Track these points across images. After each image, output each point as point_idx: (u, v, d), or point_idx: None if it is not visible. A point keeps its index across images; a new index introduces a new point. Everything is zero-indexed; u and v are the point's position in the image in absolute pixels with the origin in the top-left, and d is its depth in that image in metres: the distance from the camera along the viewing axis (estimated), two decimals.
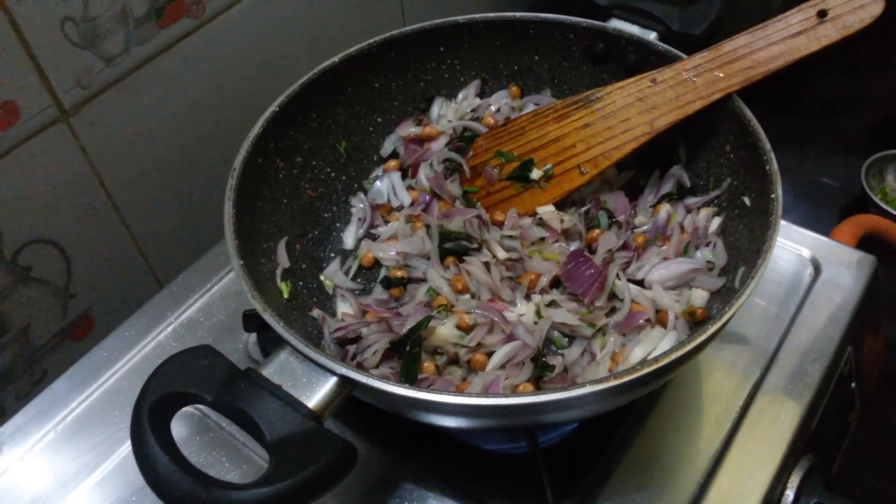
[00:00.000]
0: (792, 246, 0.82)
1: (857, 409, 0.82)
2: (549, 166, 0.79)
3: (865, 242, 0.94)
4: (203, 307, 0.83)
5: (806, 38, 0.68)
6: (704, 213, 0.74)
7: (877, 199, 1.05)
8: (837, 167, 1.15)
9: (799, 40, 0.68)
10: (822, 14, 0.68)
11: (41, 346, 0.91)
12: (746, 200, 0.70)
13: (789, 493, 0.69)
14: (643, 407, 0.71)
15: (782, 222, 0.64)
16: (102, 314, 0.96)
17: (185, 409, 0.57)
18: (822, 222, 1.06)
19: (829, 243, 0.83)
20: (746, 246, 0.68)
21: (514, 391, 0.66)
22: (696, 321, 0.70)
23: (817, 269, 0.81)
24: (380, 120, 0.87)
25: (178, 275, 0.87)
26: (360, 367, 0.68)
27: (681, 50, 0.75)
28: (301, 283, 0.77)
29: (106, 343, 0.81)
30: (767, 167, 0.65)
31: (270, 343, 0.76)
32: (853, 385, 0.80)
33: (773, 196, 0.63)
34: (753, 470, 0.67)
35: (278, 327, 0.58)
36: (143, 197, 0.96)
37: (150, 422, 0.52)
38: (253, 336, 0.79)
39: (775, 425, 0.70)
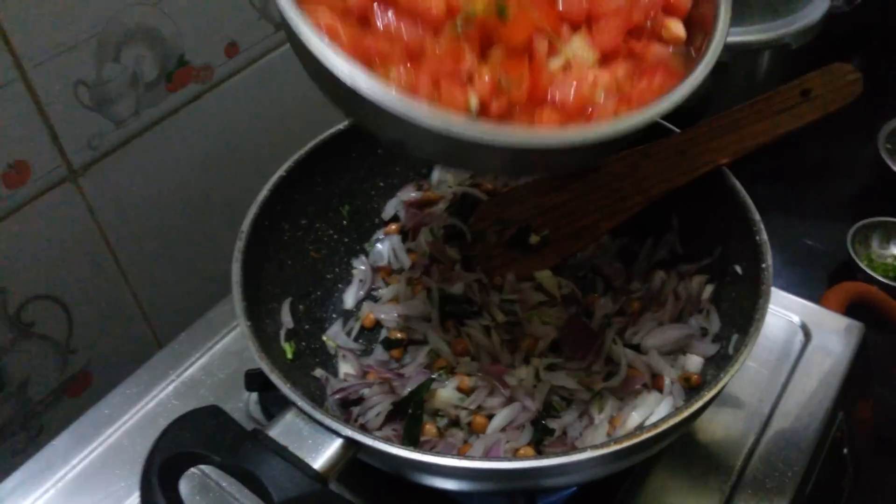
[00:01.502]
0: (782, 313, 0.84)
1: (850, 473, 0.83)
2: (546, 233, 0.81)
3: (853, 309, 0.96)
4: (204, 366, 0.84)
5: (790, 116, 0.71)
6: (697, 280, 0.76)
7: (863, 266, 1.07)
8: (824, 233, 1.17)
9: (783, 117, 0.71)
10: (804, 93, 0.71)
11: (39, 401, 0.92)
12: (738, 269, 0.72)
13: None
14: (640, 472, 0.72)
15: (773, 289, 0.66)
16: (101, 371, 0.97)
17: None
18: (810, 287, 1.07)
19: (819, 310, 0.86)
20: (739, 313, 0.70)
21: (515, 454, 0.67)
22: (691, 386, 0.71)
23: (807, 335, 0.83)
24: (382, 184, 0.90)
25: (180, 333, 0.88)
26: (364, 428, 0.69)
27: (672, 123, 0.78)
28: (304, 343, 0.78)
29: (107, 400, 0.81)
30: (758, 237, 0.68)
31: (272, 402, 0.77)
32: (845, 450, 0.81)
33: (763, 266, 0.66)
34: None
35: (285, 388, 0.60)
36: (146, 256, 0.97)
37: (159, 482, 0.53)
38: (254, 395, 0.80)
39: (770, 490, 0.71)
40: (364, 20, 0.53)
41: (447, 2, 0.53)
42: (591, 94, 0.55)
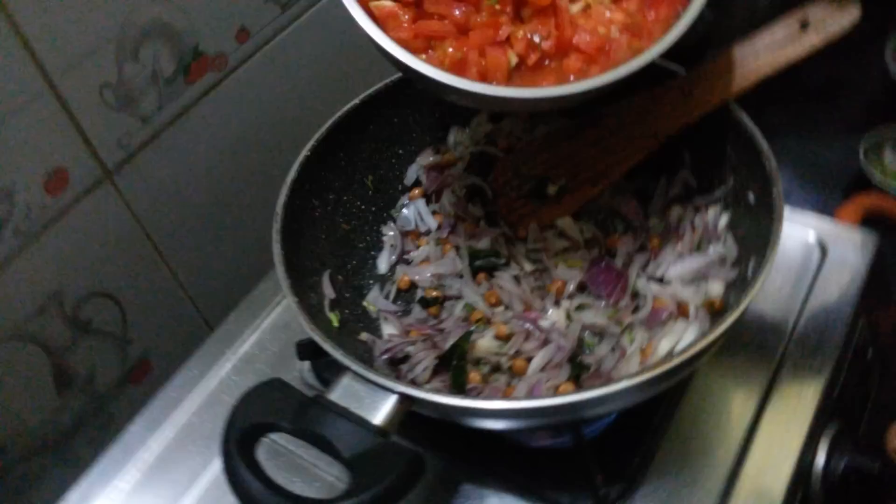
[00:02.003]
0: (798, 231, 0.87)
1: (876, 373, 0.86)
2: (563, 182, 0.84)
3: (868, 220, 0.98)
4: (256, 342, 0.89)
5: (791, 48, 0.73)
6: (712, 210, 0.79)
7: (877, 174, 1.09)
8: (837, 147, 1.18)
9: (785, 50, 0.73)
10: (804, 24, 0.73)
11: (105, 392, 0.97)
12: (750, 197, 0.75)
13: (820, 458, 0.73)
14: (675, 394, 0.76)
15: (787, 208, 0.68)
16: (159, 357, 1.02)
17: None
18: (825, 202, 1.09)
19: (834, 225, 0.88)
20: (754, 238, 0.72)
21: (556, 391, 0.72)
22: (715, 311, 0.75)
23: (824, 250, 0.85)
24: (401, 152, 0.93)
25: (228, 314, 0.93)
26: (414, 383, 0.74)
27: (676, 61, 0.80)
28: (347, 310, 0.83)
29: (173, 383, 0.87)
30: (766, 165, 0.70)
31: (324, 369, 0.83)
32: (869, 353, 0.84)
33: (774, 192, 0.68)
34: (784, 439, 0.72)
35: (338, 355, 0.64)
36: (186, 244, 1.02)
37: (238, 452, 0.58)
38: (307, 363, 0.85)
39: (800, 396, 0.75)
40: (419, 4, 0.64)
41: None
42: (608, 32, 0.65)
